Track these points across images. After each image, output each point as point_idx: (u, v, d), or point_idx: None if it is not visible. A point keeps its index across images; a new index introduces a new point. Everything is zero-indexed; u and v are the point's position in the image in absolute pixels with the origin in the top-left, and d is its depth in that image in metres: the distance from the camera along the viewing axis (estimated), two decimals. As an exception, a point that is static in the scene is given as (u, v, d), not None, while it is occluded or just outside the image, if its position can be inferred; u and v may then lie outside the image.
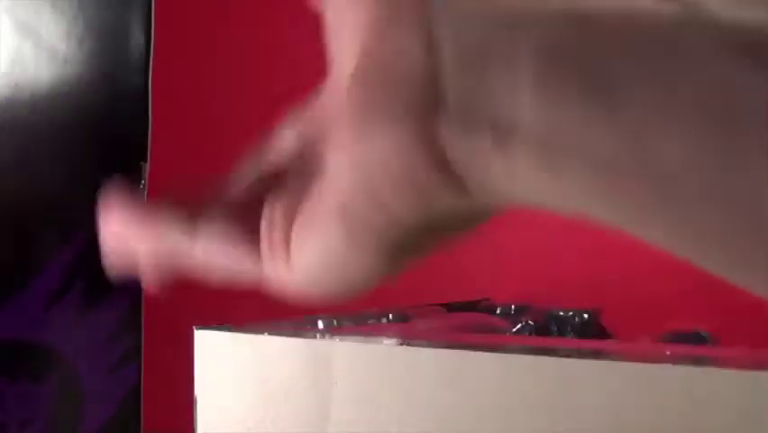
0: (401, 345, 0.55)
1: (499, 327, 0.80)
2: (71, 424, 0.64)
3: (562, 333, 0.81)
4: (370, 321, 0.74)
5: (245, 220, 0.24)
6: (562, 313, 0.83)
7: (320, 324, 0.68)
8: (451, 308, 0.86)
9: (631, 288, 1.01)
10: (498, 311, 0.86)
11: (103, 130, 1.31)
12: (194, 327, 0.63)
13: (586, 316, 0.82)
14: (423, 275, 1.15)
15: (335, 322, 0.68)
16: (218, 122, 1.35)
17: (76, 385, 0.68)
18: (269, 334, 0.61)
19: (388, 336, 0.60)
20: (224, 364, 0.62)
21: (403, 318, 0.77)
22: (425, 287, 1.08)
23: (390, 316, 0.77)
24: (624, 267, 1.00)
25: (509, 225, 1.07)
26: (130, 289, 0.99)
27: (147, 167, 1.36)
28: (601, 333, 0.83)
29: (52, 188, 1.20)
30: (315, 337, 0.60)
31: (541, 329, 0.80)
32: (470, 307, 0.86)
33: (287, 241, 0.23)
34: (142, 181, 1.35)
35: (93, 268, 0.99)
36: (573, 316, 0.82)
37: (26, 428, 0.62)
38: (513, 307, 0.86)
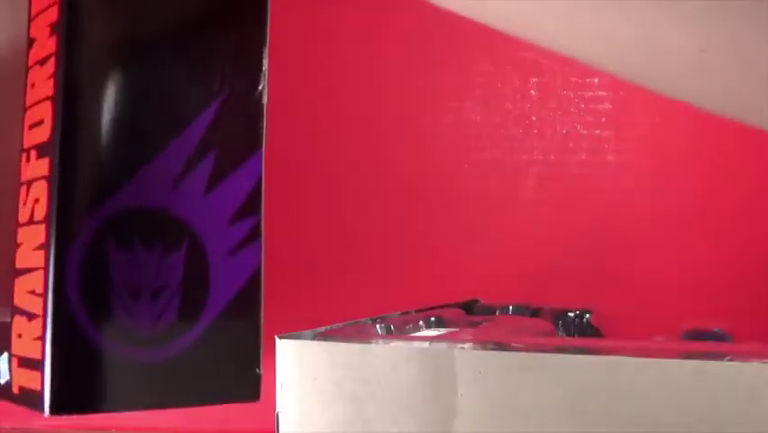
0: (528, 351, 0.50)
1: (548, 329, 0.78)
2: (200, 296, 0.66)
3: (567, 333, 0.80)
4: (408, 327, 0.70)
5: None
6: (571, 314, 0.82)
7: (378, 329, 0.64)
8: (468, 309, 0.84)
9: (633, 288, 0.99)
10: (496, 312, 0.84)
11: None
12: (276, 337, 0.59)
13: (588, 316, 0.81)
14: (417, 277, 1.11)
15: (392, 328, 0.65)
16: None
17: (203, 259, 0.69)
18: (371, 342, 0.55)
19: (485, 342, 0.55)
20: (312, 376, 0.56)
21: (438, 323, 0.74)
22: (417, 290, 1.05)
23: (433, 319, 0.74)
24: (626, 267, 0.98)
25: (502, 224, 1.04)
26: (253, 168, 0.95)
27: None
28: (598, 333, 0.82)
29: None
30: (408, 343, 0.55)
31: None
32: (466, 308, 0.83)
33: None
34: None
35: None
36: (575, 317, 0.81)
37: (159, 295, 0.64)
38: (510, 307, 0.84)
